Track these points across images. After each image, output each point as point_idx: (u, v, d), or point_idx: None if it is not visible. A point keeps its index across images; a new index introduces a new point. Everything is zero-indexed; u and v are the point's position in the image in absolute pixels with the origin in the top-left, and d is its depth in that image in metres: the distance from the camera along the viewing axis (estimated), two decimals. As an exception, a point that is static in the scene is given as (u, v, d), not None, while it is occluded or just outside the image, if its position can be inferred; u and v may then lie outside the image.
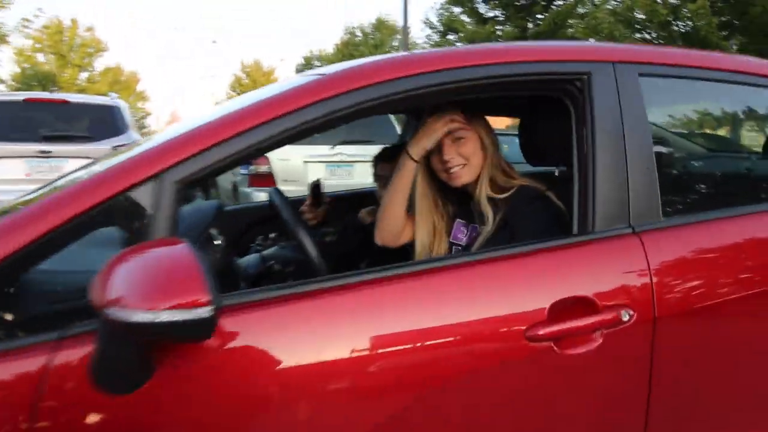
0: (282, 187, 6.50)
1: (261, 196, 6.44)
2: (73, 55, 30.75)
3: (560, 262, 1.46)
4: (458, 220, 1.85)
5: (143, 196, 1.22)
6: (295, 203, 3.24)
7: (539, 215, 1.68)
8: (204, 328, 1.01)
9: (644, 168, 1.56)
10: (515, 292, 1.40)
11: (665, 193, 1.56)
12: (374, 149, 6.60)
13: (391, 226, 1.81)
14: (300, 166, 6.65)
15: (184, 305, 0.98)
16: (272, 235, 2.24)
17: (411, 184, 1.76)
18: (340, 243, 2.34)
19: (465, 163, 1.72)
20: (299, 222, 1.55)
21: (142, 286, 0.99)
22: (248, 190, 6.73)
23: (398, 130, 6.83)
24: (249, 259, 1.85)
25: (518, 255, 1.45)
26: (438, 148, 1.72)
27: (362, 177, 6.75)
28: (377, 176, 2.52)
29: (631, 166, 1.54)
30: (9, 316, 1.17)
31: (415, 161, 1.72)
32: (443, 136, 1.70)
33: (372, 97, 1.38)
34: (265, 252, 1.83)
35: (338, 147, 6.69)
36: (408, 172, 1.74)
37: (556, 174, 2.14)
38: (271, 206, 1.75)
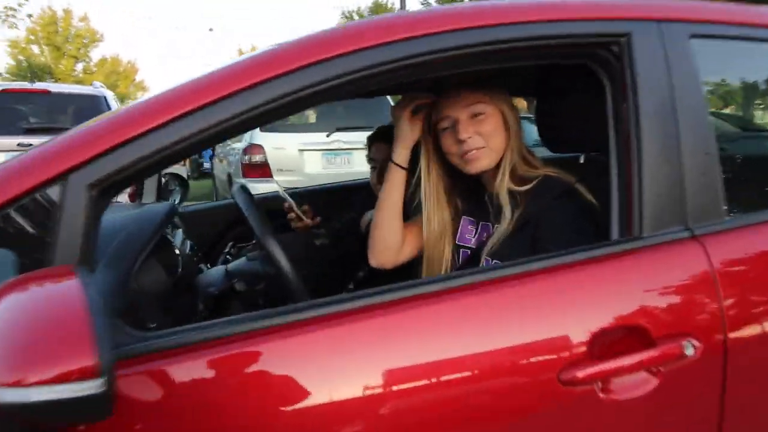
0: (277, 177, 6.32)
1: (258, 187, 6.12)
2: (69, 47, 30.33)
3: (600, 277, 1.13)
4: (465, 217, 1.53)
5: (41, 204, 0.90)
6: (296, 196, 2.94)
7: (568, 214, 1.35)
8: (94, 406, 0.69)
9: (702, 154, 1.22)
10: (543, 321, 1.07)
11: (730, 186, 1.22)
12: (374, 136, 6.20)
13: (388, 243, 1.51)
14: (295, 155, 6.31)
15: (62, 378, 0.66)
16: (246, 243, 1.93)
17: (403, 194, 1.50)
18: (333, 246, 2.01)
19: (484, 146, 1.40)
20: (266, 228, 1.23)
21: (7, 347, 0.67)
22: (242, 181, 6.40)
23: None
24: (213, 274, 1.52)
25: (545, 270, 1.12)
26: (452, 125, 1.41)
27: (362, 165, 6.35)
28: (371, 160, 2.19)
29: (686, 152, 1.21)
30: None
31: (404, 168, 1.47)
32: (452, 117, 1.41)
33: (332, 75, 1.05)
34: (231, 265, 1.51)
35: (335, 134, 6.35)
36: (398, 182, 1.48)
37: (582, 161, 1.83)
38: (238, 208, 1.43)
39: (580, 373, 1.02)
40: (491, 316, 1.07)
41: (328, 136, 6.34)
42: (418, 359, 1.02)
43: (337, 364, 0.98)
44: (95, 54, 32.44)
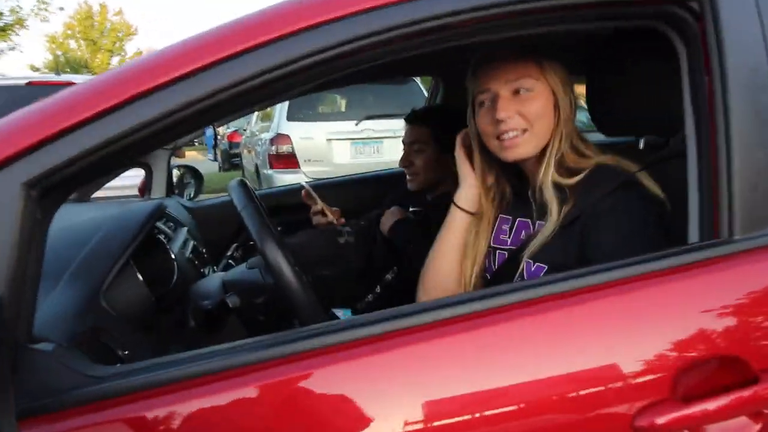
0: (305, 168, 6.14)
1: (285, 179, 5.96)
2: (104, 41, 30.76)
3: (681, 293, 0.89)
4: (500, 215, 1.30)
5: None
6: (318, 188, 2.74)
7: (628, 211, 1.10)
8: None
9: (809, 135, 0.97)
10: (610, 350, 0.84)
11: None
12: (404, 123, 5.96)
13: (445, 287, 1.29)
14: (323, 145, 6.11)
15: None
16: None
17: (464, 238, 1.29)
18: (359, 245, 1.79)
19: (527, 128, 1.16)
20: (266, 230, 1.01)
21: None
22: (270, 172, 6.25)
23: (431, 100, 6.24)
24: (208, 283, 1.31)
25: (609, 285, 0.89)
26: (492, 101, 1.18)
27: (392, 154, 6.17)
28: (402, 143, 1.98)
29: (789, 133, 0.96)
30: None
31: (470, 213, 1.28)
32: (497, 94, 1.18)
33: (300, 55, 0.83)
34: (228, 274, 1.30)
35: (364, 122, 6.13)
36: (459, 226, 1.29)
37: (641, 147, 1.57)
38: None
39: (661, 419, 0.79)
40: (541, 343, 0.85)
41: (357, 124, 6.13)
42: (457, 391, 0.81)
43: (369, 406, 0.77)
44: (130, 47, 32.85)
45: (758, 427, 0.83)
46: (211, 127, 2.18)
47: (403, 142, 1.97)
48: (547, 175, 1.17)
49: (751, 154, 0.94)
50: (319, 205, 1.80)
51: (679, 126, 1.22)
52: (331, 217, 1.81)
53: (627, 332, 0.86)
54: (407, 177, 1.94)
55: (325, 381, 0.78)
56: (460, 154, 1.29)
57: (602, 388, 0.81)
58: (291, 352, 0.77)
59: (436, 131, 1.90)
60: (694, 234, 0.98)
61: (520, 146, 1.17)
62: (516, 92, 1.16)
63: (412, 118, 1.97)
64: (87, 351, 0.82)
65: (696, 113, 1.01)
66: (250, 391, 0.76)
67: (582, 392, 0.81)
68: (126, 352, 0.89)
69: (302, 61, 0.84)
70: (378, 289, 1.85)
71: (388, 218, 1.90)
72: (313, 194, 1.79)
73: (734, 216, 0.92)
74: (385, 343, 0.81)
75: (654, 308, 0.88)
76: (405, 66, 2.38)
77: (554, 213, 1.14)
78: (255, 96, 0.83)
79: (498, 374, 0.82)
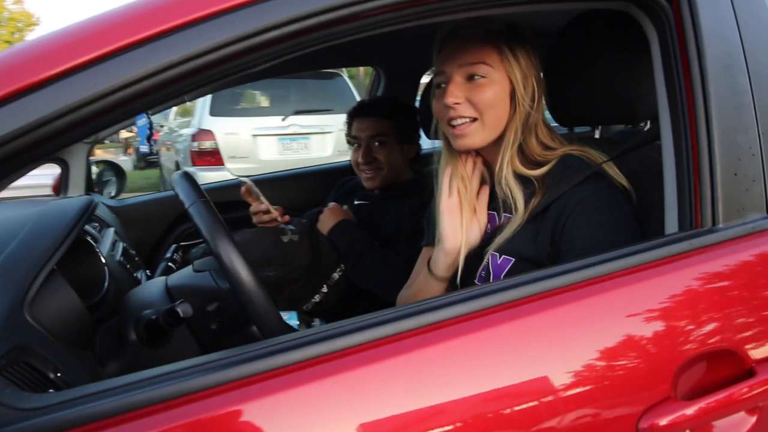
0: (230, 165, 5.92)
1: (209, 176, 5.72)
2: (2, 31, 28.68)
3: (670, 286, 0.85)
4: None
5: None
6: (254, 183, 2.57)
7: (602, 202, 1.05)
8: None
9: (783, 121, 0.96)
10: (603, 354, 0.79)
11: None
12: (332, 119, 5.89)
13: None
14: (249, 141, 5.92)
15: None
16: (193, 242, 1.58)
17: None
18: (304, 244, 1.67)
19: (476, 117, 1.10)
20: (219, 227, 0.89)
21: None
22: (192, 170, 5.96)
23: (357, 97, 6.15)
24: (149, 290, 1.13)
25: (592, 282, 0.83)
26: (446, 83, 1.12)
27: (320, 150, 6.07)
28: (353, 138, 1.87)
29: (764, 117, 0.94)
30: None
31: (443, 278, 1.18)
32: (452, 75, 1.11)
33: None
34: (173, 278, 1.15)
35: (291, 117, 5.98)
36: (435, 289, 1.19)
37: (597, 137, 1.55)
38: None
39: (663, 420, 0.74)
40: (525, 343, 0.78)
41: (283, 120, 5.97)
42: (445, 397, 0.73)
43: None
44: (31, 38, 30.75)
45: (753, 419, 0.80)
46: (145, 115, 1.99)
47: (354, 137, 1.86)
48: (505, 168, 1.11)
49: (731, 139, 0.92)
50: (264, 203, 1.67)
51: (642, 114, 1.20)
52: (275, 214, 1.69)
53: (617, 330, 0.81)
54: (366, 174, 1.84)
55: (303, 401, 0.68)
56: (452, 203, 1.16)
57: (603, 391, 0.75)
58: (265, 368, 0.66)
59: (399, 123, 1.82)
60: (672, 224, 0.95)
61: (468, 135, 1.10)
62: (470, 78, 1.09)
63: (371, 111, 1.86)
64: (11, 377, 0.69)
65: (671, 99, 0.98)
66: (222, 418, 0.65)
67: (583, 394, 0.75)
68: (59, 375, 0.75)
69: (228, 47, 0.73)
70: (325, 289, 1.74)
71: (328, 219, 1.81)
72: (256, 190, 1.66)
73: (717, 204, 0.90)
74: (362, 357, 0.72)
75: (641, 304, 0.83)
76: (344, 56, 2.29)
77: (519, 205, 1.09)
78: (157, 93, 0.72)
79: (493, 379, 0.75)
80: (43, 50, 0.69)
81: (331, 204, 1.86)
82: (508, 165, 1.11)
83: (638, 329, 0.80)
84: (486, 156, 1.18)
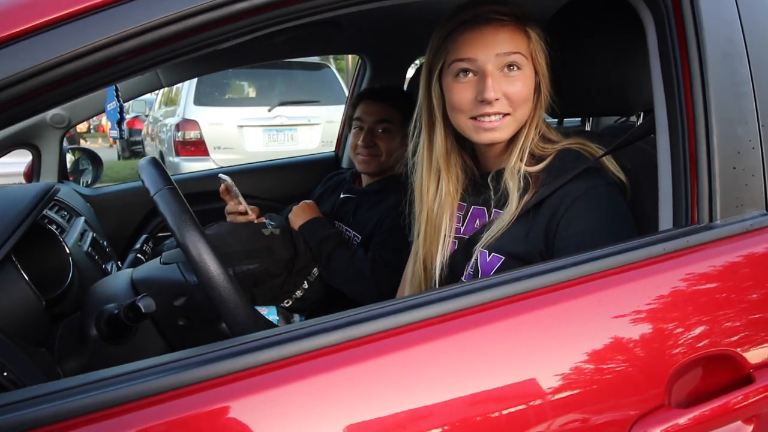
0: (215, 156, 5.83)
1: (193, 167, 5.62)
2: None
3: (665, 284, 0.80)
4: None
5: None
6: (237, 173, 2.49)
7: (598, 198, 0.99)
8: None
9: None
10: (603, 354, 0.74)
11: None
12: (320, 110, 5.82)
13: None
14: (234, 132, 5.83)
15: None
16: (166, 234, 1.51)
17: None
18: (286, 237, 1.61)
19: (509, 113, 1.02)
20: (186, 217, 0.82)
21: None
22: (176, 160, 5.87)
23: (345, 89, 6.07)
24: (114, 283, 1.06)
25: (583, 279, 0.78)
26: (477, 74, 1.01)
27: (307, 142, 5.99)
28: (358, 119, 1.81)
29: (765, 111, 0.90)
30: None
31: None
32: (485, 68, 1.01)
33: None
34: (138, 271, 1.08)
35: (277, 108, 5.90)
36: None
37: (587, 129, 1.50)
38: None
39: (657, 430, 0.70)
40: (510, 344, 0.73)
41: (270, 110, 5.89)
42: (429, 400, 0.67)
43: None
44: None
45: (749, 428, 0.76)
46: (115, 98, 1.91)
47: (358, 119, 1.80)
48: (518, 162, 1.04)
49: (730, 130, 0.87)
50: (242, 204, 1.61)
51: (637, 104, 1.15)
52: (251, 215, 1.63)
53: (606, 333, 0.76)
54: (362, 157, 1.78)
55: (276, 404, 0.63)
56: None
57: (593, 396, 0.71)
58: (234, 368, 0.61)
59: (406, 113, 1.76)
60: (666, 220, 0.90)
61: (499, 129, 1.03)
62: (504, 68, 1.01)
63: (380, 96, 1.81)
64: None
65: (668, 88, 0.93)
66: (184, 422, 0.60)
67: (572, 398, 0.70)
68: (5, 374, 0.69)
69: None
70: (306, 285, 1.69)
71: (298, 215, 1.75)
72: (235, 189, 1.59)
73: (715, 199, 0.85)
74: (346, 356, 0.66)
75: (632, 304, 0.78)
76: (328, 43, 2.22)
77: (514, 202, 1.02)
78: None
79: (479, 381, 0.70)
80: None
81: (303, 203, 1.81)
82: (516, 158, 1.05)
83: (629, 331, 0.75)
84: (491, 150, 1.10)
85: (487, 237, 1.04)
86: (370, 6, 0.81)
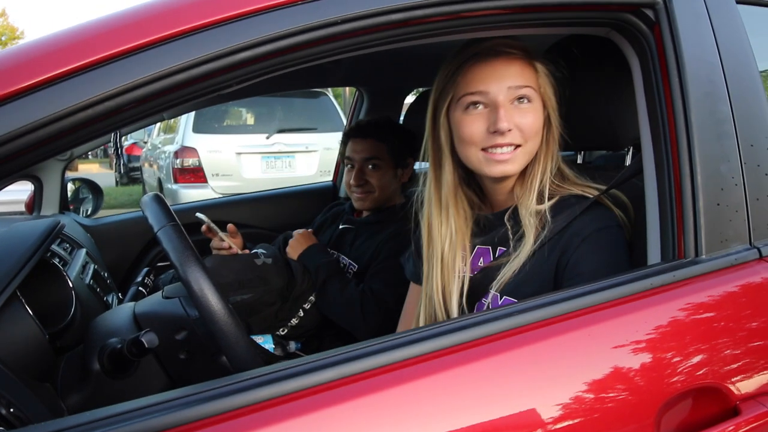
0: (213, 183, 5.86)
1: (191, 194, 5.66)
2: (-14, 44, 28.48)
3: (653, 318, 0.83)
4: None
5: None
6: (235, 203, 2.49)
7: (605, 236, 1.00)
8: None
9: (765, 149, 0.95)
10: (595, 384, 0.76)
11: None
12: (317, 137, 5.87)
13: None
14: (233, 159, 5.88)
15: None
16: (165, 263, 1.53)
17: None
18: (279, 267, 1.63)
19: (521, 144, 1.03)
20: (188, 252, 0.85)
21: None
22: (174, 187, 5.91)
23: (342, 116, 6.14)
24: (116, 316, 1.08)
25: (575, 314, 0.80)
26: (488, 106, 1.02)
27: (304, 169, 6.04)
28: (348, 159, 1.85)
29: (745, 146, 0.93)
30: None
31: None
32: (499, 101, 1.02)
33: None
34: (140, 305, 1.10)
35: (275, 136, 5.96)
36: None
37: (579, 162, 1.54)
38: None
39: (646, 463, 0.72)
40: (505, 377, 0.75)
41: (268, 138, 5.94)
42: None
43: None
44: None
45: (738, 459, 0.77)
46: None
47: (348, 158, 1.84)
48: (530, 198, 1.04)
49: (713, 168, 0.90)
50: (226, 241, 1.64)
51: (625, 140, 1.19)
52: (234, 249, 1.66)
53: (600, 365, 0.78)
54: (357, 195, 1.82)
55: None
56: None
57: (588, 429, 0.73)
58: (234, 406, 0.63)
59: (394, 146, 1.79)
60: (654, 255, 0.93)
61: (511, 162, 1.03)
62: (515, 100, 1.03)
63: (366, 132, 1.83)
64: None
65: (653, 126, 0.96)
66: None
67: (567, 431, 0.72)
68: (11, 410, 0.71)
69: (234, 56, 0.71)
70: (301, 313, 1.71)
71: (298, 244, 1.78)
72: (213, 227, 1.63)
73: (700, 234, 0.88)
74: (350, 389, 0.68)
75: (623, 337, 0.80)
76: (325, 76, 2.27)
77: (530, 242, 1.01)
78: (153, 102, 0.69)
79: (477, 413, 0.72)
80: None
81: (301, 231, 1.84)
82: (531, 195, 1.04)
83: (622, 363, 0.77)
84: (501, 185, 1.09)
85: (501, 279, 1.03)
86: (368, 51, 0.85)
